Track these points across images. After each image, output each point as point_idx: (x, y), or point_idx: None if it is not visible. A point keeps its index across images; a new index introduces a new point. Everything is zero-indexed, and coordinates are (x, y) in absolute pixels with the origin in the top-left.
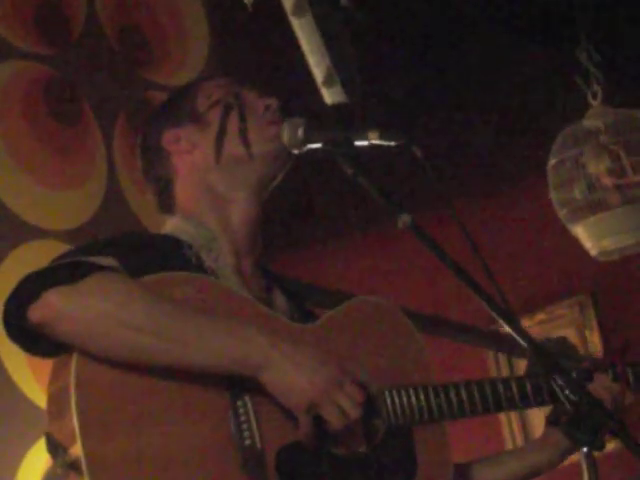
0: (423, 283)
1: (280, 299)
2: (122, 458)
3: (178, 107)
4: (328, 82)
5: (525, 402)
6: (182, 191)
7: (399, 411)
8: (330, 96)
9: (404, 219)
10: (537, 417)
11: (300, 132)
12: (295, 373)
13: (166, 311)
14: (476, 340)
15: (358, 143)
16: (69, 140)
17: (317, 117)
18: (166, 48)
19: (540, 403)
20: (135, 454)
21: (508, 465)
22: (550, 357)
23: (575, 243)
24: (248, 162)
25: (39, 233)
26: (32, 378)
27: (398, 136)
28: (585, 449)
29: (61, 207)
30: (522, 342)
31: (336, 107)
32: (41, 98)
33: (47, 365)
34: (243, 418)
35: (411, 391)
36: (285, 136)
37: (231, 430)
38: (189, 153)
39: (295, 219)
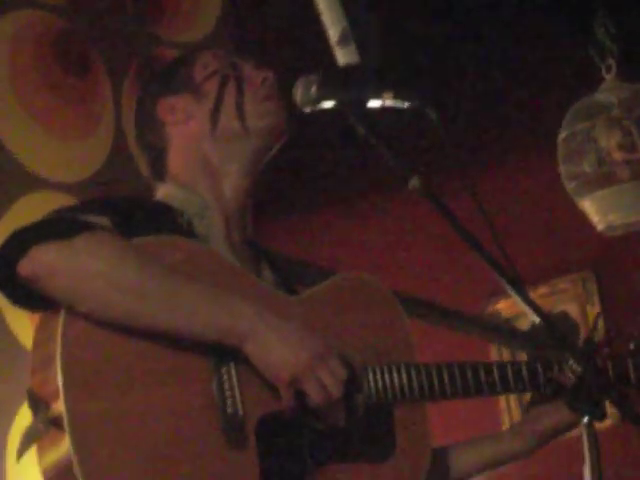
0: (419, 257)
1: (267, 272)
2: (104, 416)
3: (174, 76)
4: (343, 42)
5: (506, 388)
6: (175, 160)
7: (381, 388)
8: (343, 56)
9: (414, 182)
10: None
11: (313, 90)
12: (279, 346)
13: (156, 275)
14: (471, 328)
15: (372, 103)
16: (78, 91)
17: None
18: (178, 5)
19: (521, 390)
20: (117, 413)
21: (483, 450)
22: (556, 327)
23: (580, 218)
24: (243, 136)
25: (44, 184)
26: (32, 331)
27: (413, 97)
28: (586, 420)
29: (68, 159)
30: (529, 311)
31: (354, 69)
32: (52, 48)
33: None
34: (227, 385)
35: (394, 369)
36: (298, 93)
37: (214, 396)
38: (184, 123)
39: (289, 183)
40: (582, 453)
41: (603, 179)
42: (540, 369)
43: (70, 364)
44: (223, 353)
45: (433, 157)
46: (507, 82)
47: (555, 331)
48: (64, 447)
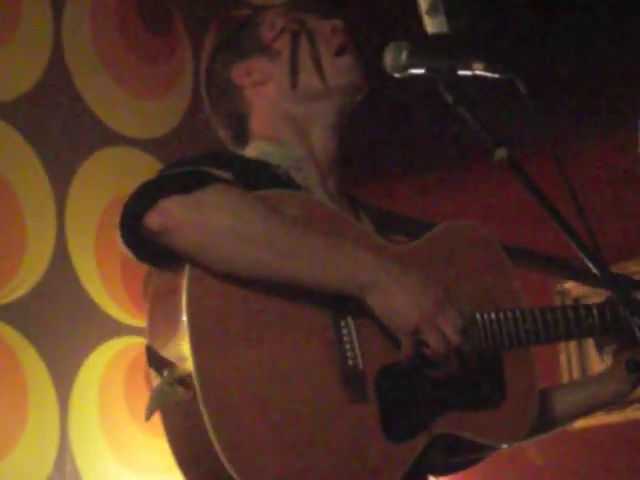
0: (492, 231)
1: (367, 223)
2: (232, 374)
3: (241, 40)
4: (432, 11)
5: (604, 328)
6: (259, 122)
7: (490, 335)
8: (432, 26)
9: (501, 153)
10: (596, 361)
11: (404, 56)
12: (402, 296)
13: (282, 226)
14: (576, 277)
15: (462, 72)
16: (158, 50)
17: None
18: None
19: (617, 331)
20: (245, 370)
21: (576, 395)
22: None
23: None
24: (324, 96)
25: (120, 139)
26: (100, 283)
27: (504, 69)
28: None
29: (144, 116)
30: (610, 289)
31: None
32: (133, 7)
33: (116, 270)
34: (346, 339)
35: (501, 315)
36: (388, 58)
37: (334, 350)
38: (263, 85)
39: (376, 151)
40: None
41: None
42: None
43: (198, 321)
44: (341, 306)
45: (518, 130)
46: (595, 59)
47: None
48: (193, 408)
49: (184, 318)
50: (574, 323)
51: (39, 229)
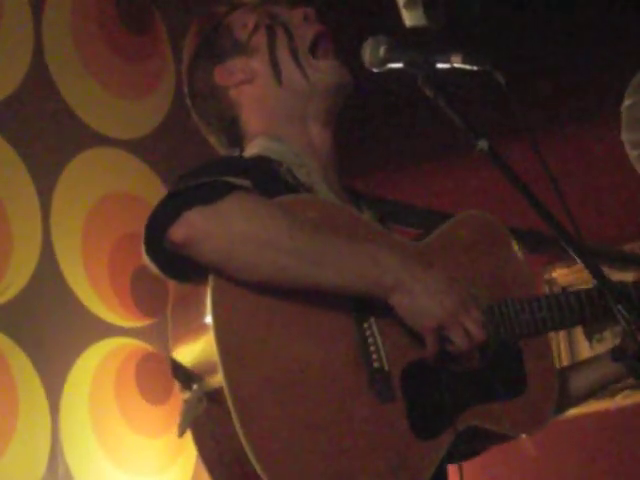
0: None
1: (369, 217)
2: (262, 384)
3: (217, 44)
4: (410, 4)
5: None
6: (253, 118)
7: (507, 325)
8: (410, 19)
9: (482, 144)
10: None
11: (382, 50)
12: (425, 296)
13: (305, 232)
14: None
15: (440, 65)
16: (139, 50)
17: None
18: None
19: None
20: (273, 380)
21: (589, 374)
22: (619, 292)
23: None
24: (311, 96)
25: (103, 140)
26: (88, 284)
27: (481, 61)
28: None
29: (126, 116)
30: (592, 276)
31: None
32: (113, 7)
33: (103, 272)
34: (370, 340)
35: (517, 305)
36: (366, 53)
37: (359, 352)
38: (249, 83)
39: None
40: None
41: None
42: None
43: (225, 333)
44: (363, 308)
45: (497, 121)
46: (573, 47)
47: (617, 298)
48: (224, 422)
49: (211, 331)
50: (588, 307)
51: (25, 232)
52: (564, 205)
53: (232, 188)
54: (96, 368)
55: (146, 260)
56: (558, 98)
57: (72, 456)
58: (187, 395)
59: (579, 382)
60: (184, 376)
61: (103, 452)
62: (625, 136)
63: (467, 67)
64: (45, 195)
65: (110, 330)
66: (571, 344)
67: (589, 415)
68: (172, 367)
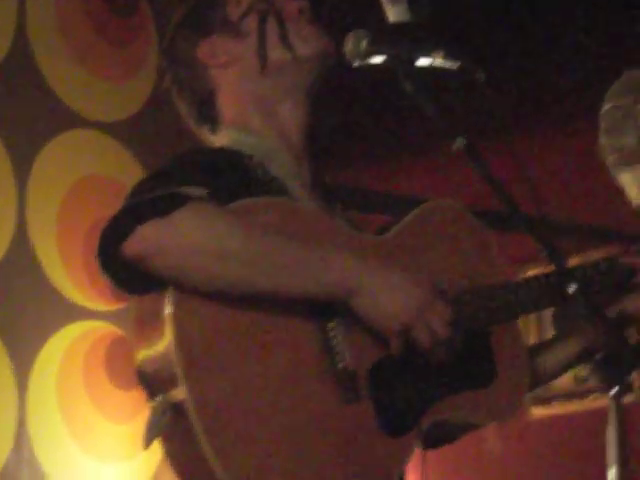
0: None
1: (338, 211)
2: (226, 394)
3: (207, 15)
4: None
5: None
6: (228, 105)
7: (476, 314)
8: (394, 14)
9: (459, 143)
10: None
11: (364, 44)
12: (387, 297)
13: (260, 240)
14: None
15: (421, 61)
16: (123, 33)
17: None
18: None
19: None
20: (238, 388)
21: (556, 352)
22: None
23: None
24: (294, 66)
25: (83, 122)
26: (61, 266)
27: (462, 58)
28: (614, 390)
29: (108, 98)
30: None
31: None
32: None
33: (77, 254)
34: (334, 342)
35: (486, 291)
36: (348, 47)
37: (324, 355)
38: (230, 67)
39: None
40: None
41: None
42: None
43: (186, 345)
44: (326, 311)
45: (475, 119)
46: (553, 48)
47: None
48: (189, 433)
49: (171, 344)
50: (557, 289)
51: None
52: (538, 207)
53: (186, 199)
54: (65, 350)
55: (101, 275)
56: (533, 99)
57: (38, 439)
58: (153, 404)
59: (548, 361)
60: (149, 387)
61: (70, 436)
62: (603, 140)
63: (448, 65)
64: (22, 175)
65: (82, 313)
66: (541, 332)
67: (558, 417)
68: (137, 377)
